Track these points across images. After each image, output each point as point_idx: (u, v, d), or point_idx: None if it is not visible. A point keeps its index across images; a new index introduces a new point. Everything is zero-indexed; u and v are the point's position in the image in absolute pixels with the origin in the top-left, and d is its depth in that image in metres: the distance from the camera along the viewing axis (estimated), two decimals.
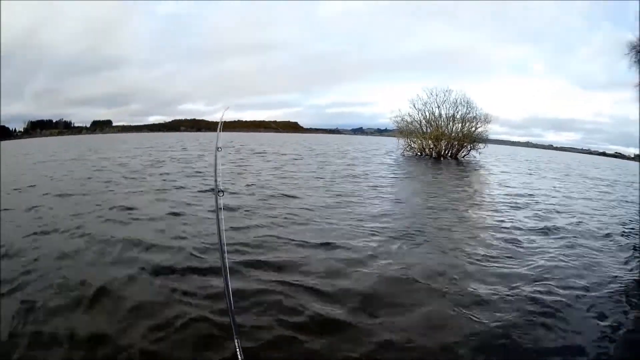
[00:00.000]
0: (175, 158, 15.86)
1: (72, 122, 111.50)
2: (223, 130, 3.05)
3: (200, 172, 10.51)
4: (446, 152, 23.64)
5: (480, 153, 23.93)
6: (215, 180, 2.26)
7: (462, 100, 23.32)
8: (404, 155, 23.20)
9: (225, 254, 1.74)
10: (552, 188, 11.04)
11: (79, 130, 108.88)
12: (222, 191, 2.16)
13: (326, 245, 4.29)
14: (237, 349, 1.33)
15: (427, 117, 23.75)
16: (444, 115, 23.57)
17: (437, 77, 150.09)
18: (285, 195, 7.43)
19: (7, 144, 32.95)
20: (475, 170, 17.16)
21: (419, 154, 23.86)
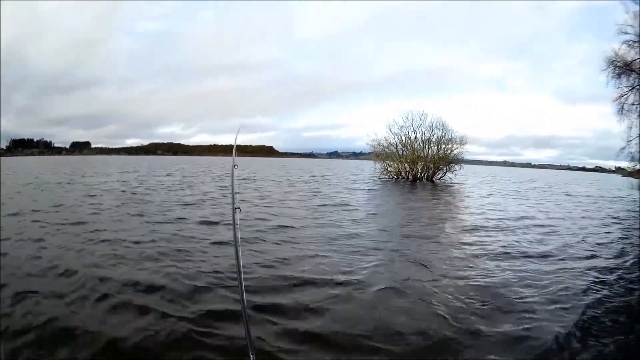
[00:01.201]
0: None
1: (52, 142, 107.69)
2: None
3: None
4: (422, 174, 23.46)
5: (455, 175, 23.91)
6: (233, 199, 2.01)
7: (438, 124, 23.55)
8: (380, 179, 22.85)
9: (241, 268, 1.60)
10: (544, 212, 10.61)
11: (59, 150, 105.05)
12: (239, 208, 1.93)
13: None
14: None
15: (404, 141, 23.75)
16: (420, 139, 23.64)
17: (414, 97, 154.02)
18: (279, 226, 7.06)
19: None
20: (452, 193, 16.77)
21: (395, 177, 23.56)
